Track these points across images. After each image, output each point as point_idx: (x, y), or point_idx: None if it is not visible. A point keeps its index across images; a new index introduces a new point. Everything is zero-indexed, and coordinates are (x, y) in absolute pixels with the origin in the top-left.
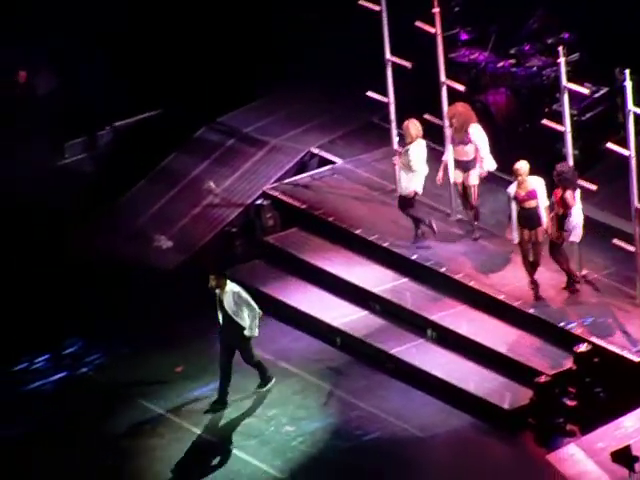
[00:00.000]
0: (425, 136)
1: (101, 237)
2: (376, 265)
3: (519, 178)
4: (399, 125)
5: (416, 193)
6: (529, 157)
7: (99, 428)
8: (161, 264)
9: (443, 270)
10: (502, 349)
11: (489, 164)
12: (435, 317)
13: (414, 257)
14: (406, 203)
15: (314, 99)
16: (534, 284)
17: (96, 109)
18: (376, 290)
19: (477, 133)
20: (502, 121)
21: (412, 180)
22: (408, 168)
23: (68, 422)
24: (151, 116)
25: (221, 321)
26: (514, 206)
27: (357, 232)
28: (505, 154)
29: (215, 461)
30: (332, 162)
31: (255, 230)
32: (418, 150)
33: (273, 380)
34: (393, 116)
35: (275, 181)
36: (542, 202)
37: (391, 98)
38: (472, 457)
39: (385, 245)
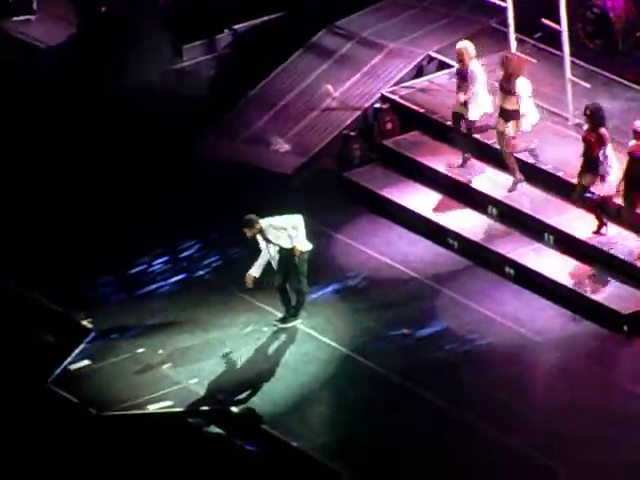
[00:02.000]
0: (546, 42)
1: (219, 140)
2: (493, 169)
3: None
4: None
5: None
6: None
7: (215, 327)
8: (279, 167)
9: (560, 174)
10: (620, 254)
11: (531, 120)
12: (552, 221)
13: (531, 161)
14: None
15: (433, 2)
16: None
17: (215, 12)
18: (494, 194)
19: (523, 87)
20: (620, 26)
21: None
22: None
23: (184, 323)
24: (270, 19)
25: (273, 254)
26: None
27: (475, 136)
28: (622, 59)
29: (332, 364)
30: (450, 66)
31: (373, 133)
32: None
33: (300, 320)
34: (511, 20)
35: (393, 85)
36: None
37: (509, 2)
38: (589, 362)
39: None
